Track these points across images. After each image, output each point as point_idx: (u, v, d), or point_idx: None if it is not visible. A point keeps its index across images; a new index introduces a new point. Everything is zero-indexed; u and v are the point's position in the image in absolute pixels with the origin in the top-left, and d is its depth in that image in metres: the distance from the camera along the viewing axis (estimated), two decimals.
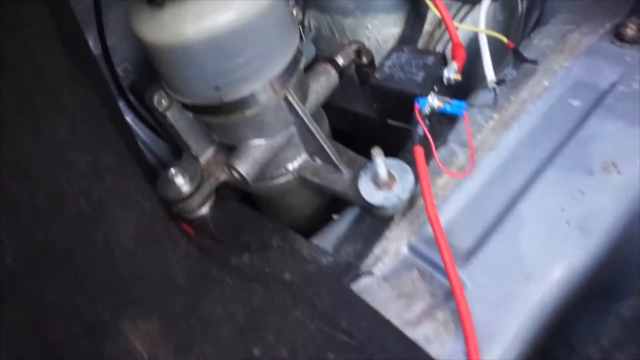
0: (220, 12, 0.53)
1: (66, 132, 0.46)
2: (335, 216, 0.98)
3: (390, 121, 0.76)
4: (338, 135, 0.79)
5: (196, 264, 0.66)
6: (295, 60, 0.63)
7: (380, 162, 0.60)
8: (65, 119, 0.46)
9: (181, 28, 0.53)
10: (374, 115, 0.79)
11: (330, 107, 0.79)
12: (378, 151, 0.59)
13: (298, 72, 0.64)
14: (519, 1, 0.86)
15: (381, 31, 0.89)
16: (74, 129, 0.47)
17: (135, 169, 0.64)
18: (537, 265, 0.57)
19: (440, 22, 0.91)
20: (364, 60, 0.80)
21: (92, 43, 0.81)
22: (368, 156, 0.72)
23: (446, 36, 0.86)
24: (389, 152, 0.63)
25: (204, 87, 0.58)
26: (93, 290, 0.46)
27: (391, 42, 0.91)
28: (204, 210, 0.76)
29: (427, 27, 0.88)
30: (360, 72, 0.82)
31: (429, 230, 0.61)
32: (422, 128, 0.63)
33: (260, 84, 0.60)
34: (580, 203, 0.60)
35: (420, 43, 0.90)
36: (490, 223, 0.61)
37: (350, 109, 0.82)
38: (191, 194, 0.73)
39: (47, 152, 0.43)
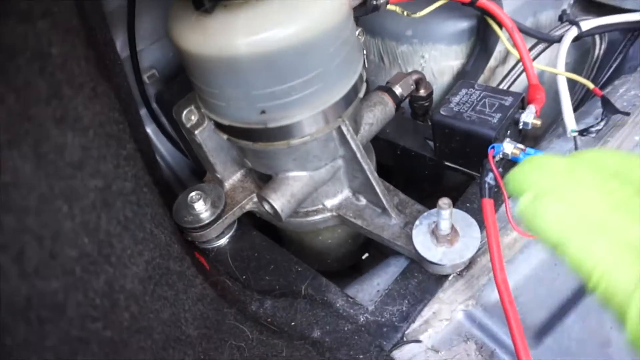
0: (279, 24, 0.45)
1: (76, 151, 0.36)
2: (364, 257, 0.89)
3: (448, 163, 0.66)
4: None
5: (210, 309, 0.57)
6: (355, 88, 0.54)
7: (447, 215, 0.50)
8: (77, 134, 0.37)
9: (232, 39, 0.44)
10: (429, 154, 0.69)
11: (375, 140, 0.70)
12: (447, 202, 0.49)
13: (356, 102, 0.55)
14: (598, 44, 0.77)
15: (439, 62, 0.80)
16: (86, 148, 0.37)
17: (154, 192, 0.54)
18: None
19: (505, 59, 0.82)
20: (422, 92, 0.71)
21: (120, 46, 0.74)
22: (414, 198, 0.64)
23: (511, 75, 0.77)
24: (435, 197, 0.54)
25: (247, 108, 0.49)
26: (84, 357, 0.35)
27: (447, 75, 0.82)
28: (223, 240, 0.68)
29: (491, 62, 0.79)
30: (416, 105, 0.73)
31: (490, 295, 0.54)
32: (496, 177, 0.53)
33: (313, 112, 0.51)
34: None
35: (480, 80, 0.81)
36: (568, 296, 0.53)
37: (399, 144, 0.73)
38: (211, 222, 0.64)
39: (47, 177, 0.33)
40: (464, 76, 0.78)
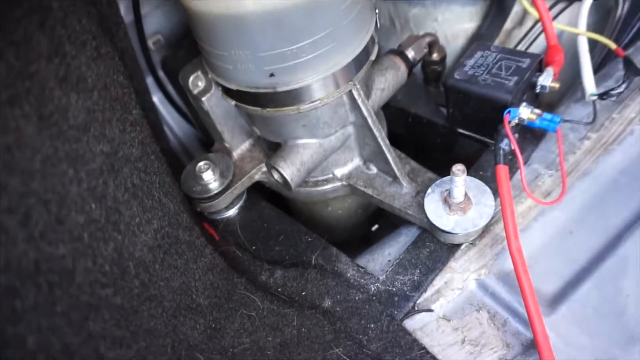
0: None
1: (80, 113, 0.35)
2: (374, 228, 0.88)
3: (461, 130, 0.64)
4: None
5: (221, 279, 0.56)
6: (367, 50, 0.52)
7: (461, 182, 0.49)
8: (82, 96, 0.35)
9: None
10: (441, 120, 0.67)
11: (385, 107, 0.68)
12: (462, 168, 0.48)
13: (367, 65, 0.53)
14: (620, 2, 0.73)
15: (453, 25, 0.77)
16: (91, 111, 0.36)
17: (161, 160, 0.53)
18: None
19: (521, 20, 0.79)
20: (435, 56, 0.69)
21: (124, 9, 0.72)
22: (426, 166, 0.63)
23: (529, 37, 0.74)
24: (447, 166, 0.52)
25: (256, 71, 0.48)
26: (94, 323, 0.35)
27: (462, 39, 0.79)
28: (232, 211, 0.68)
29: (507, 24, 0.76)
30: (428, 70, 0.71)
31: (503, 264, 0.54)
32: (512, 144, 0.52)
33: (324, 75, 0.49)
34: None
35: (496, 42, 0.78)
36: (583, 264, 0.52)
37: (411, 111, 0.71)
38: (220, 193, 0.63)
39: (51, 140, 0.32)
40: (479, 39, 0.75)
